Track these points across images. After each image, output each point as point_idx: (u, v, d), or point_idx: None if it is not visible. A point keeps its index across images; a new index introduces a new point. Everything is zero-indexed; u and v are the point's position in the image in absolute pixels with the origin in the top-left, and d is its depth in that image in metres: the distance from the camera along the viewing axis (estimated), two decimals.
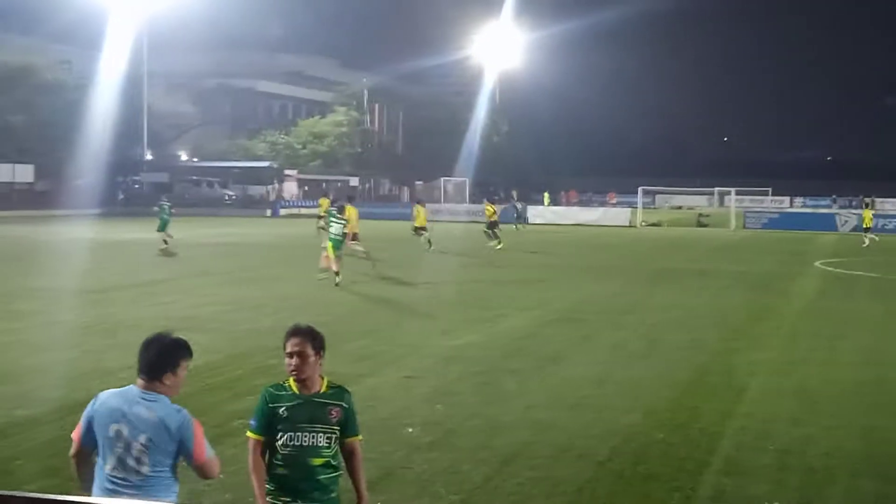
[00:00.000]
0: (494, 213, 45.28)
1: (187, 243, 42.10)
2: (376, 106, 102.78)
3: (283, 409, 5.85)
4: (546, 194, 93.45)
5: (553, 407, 12.35)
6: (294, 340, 5.91)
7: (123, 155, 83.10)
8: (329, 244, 26.57)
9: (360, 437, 6.11)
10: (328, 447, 5.87)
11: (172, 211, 39.00)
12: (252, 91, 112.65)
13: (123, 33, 78.38)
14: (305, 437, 5.82)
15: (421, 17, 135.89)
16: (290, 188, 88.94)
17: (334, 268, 26.00)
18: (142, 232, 49.79)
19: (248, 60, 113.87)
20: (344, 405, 5.94)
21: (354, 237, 30.32)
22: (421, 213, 42.02)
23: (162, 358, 5.59)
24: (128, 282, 26.16)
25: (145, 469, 5.47)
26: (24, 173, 75.69)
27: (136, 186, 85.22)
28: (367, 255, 30.83)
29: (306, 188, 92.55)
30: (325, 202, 46.57)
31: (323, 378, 6.00)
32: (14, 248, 38.20)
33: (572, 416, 11.95)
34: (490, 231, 43.83)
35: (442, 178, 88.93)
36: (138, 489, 5.47)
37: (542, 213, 72.14)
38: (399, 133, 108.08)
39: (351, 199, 34.68)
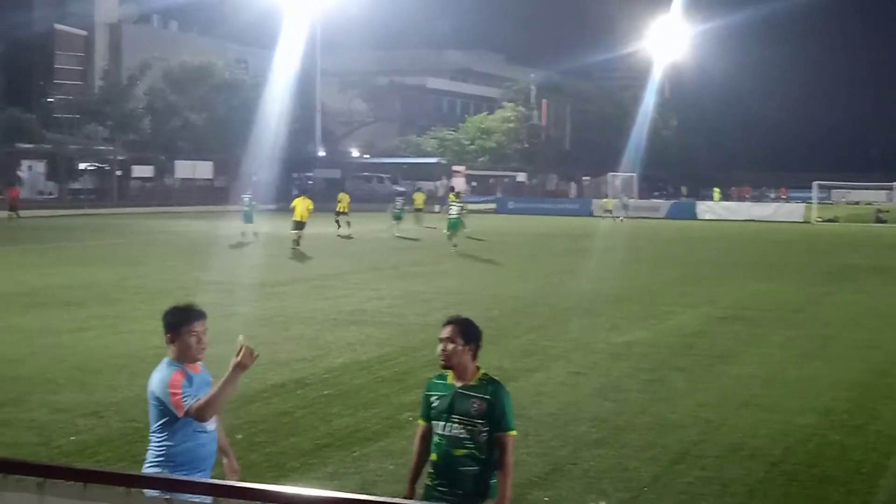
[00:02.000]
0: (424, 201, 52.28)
1: (357, 238, 42.97)
2: (544, 101, 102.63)
3: (435, 398, 6.05)
4: (716, 190, 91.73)
5: (722, 406, 12.16)
6: (446, 329, 6.05)
7: (297, 151, 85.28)
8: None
9: (513, 432, 6.01)
10: (471, 439, 5.88)
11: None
12: (422, 88, 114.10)
13: (297, 32, 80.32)
14: (449, 427, 5.93)
15: (588, 12, 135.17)
16: (459, 183, 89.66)
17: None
18: (314, 227, 51.00)
19: (417, 57, 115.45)
20: (489, 398, 5.92)
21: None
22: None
23: (165, 324, 6.18)
24: (300, 276, 26.85)
25: (152, 429, 6.04)
26: (203, 170, 78.34)
27: (310, 183, 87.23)
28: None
29: (474, 184, 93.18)
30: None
31: (478, 370, 6.05)
32: (193, 243, 39.64)
33: (742, 415, 11.74)
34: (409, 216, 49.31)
35: (609, 174, 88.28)
36: (150, 450, 6.07)
37: (712, 209, 70.88)
38: (566, 128, 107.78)
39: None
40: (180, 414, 5.89)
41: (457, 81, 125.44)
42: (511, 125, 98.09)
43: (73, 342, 15.71)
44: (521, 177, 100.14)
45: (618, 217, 63.18)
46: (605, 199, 70.39)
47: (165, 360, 6.12)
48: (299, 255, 33.26)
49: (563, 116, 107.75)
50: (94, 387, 12.58)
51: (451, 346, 5.98)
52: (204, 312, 6.29)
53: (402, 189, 69.21)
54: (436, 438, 5.99)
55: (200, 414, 5.88)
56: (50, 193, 74.68)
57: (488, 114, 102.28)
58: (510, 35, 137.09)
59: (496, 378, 6.11)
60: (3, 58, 65.24)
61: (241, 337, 6.03)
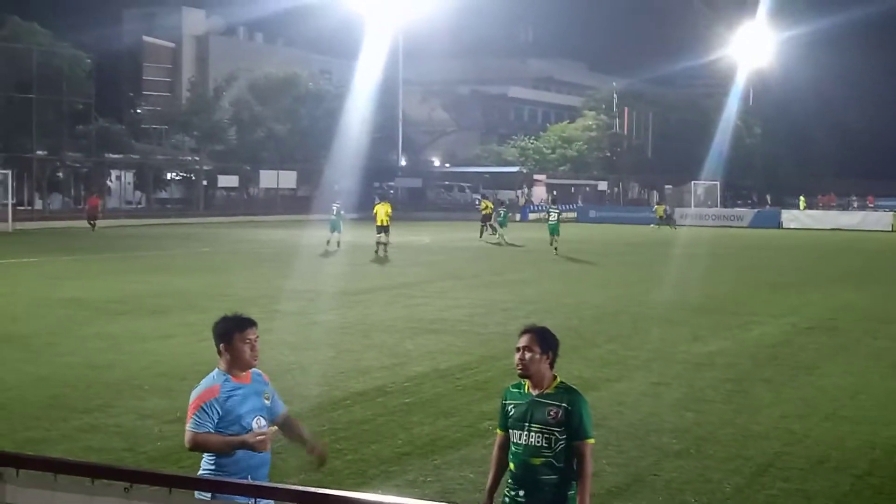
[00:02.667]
0: (487, 207, 51.81)
1: (439, 247, 43.12)
2: (626, 109, 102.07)
3: (511, 406, 6.04)
4: (802, 198, 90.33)
5: (807, 417, 11.98)
6: (523, 337, 6.05)
7: (379, 161, 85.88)
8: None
9: (591, 440, 5.98)
10: (548, 447, 5.86)
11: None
12: (503, 97, 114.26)
13: (380, 42, 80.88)
14: (526, 435, 5.91)
15: (671, 19, 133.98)
16: (539, 192, 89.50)
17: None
18: (394, 236, 51.27)
19: (499, 66, 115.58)
20: (566, 406, 5.91)
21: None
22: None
23: (217, 334, 6.18)
24: (381, 284, 27.02)
25: None
26: (287, 179, 79.23)
27: (392, 192, 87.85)
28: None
29: (555, 192, 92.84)
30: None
31: (555, 378, 6.05)
32: (276, 252, 40.11)
33: (827, 427, 11.56)
34: (484, 224, 50.56)
35: (692, 182, 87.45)
36: (203, 458, 6.12)
37: (797, 218, 69.83)
38: (648, 136, 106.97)
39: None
40: (186, 426, 5.97)
41: (539, 90, 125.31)
42: (592, 134, 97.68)
43: (159, 349, 16.01)
44: (603, 185, 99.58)
45: (669, 225, 62.47)
46: (656, 206, 69.67)
47: (215, 370, 6.12)
48: (381, 262, 33.50)
49: (645, 124, 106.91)
50: (180, 393, 12.78)
51: (528, 355, 5.98)
52: (255, 321, 6.28)
53: (503, 199, 69.70)
54: (513, 448, 5.97)
55: (190, 445, 5.93)
56: (138, 203, 76.17)
57: (570, 122, 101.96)
58: (593, 43, 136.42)
59: (573, 386, 6.11)
60: (95, 70, 66.60)
61: (273, 428, 6.11)
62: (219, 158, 78.86)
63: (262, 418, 6.01)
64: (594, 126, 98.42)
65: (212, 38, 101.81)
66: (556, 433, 5.87)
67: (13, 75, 60.38)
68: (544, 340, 6.05)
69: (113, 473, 3.68)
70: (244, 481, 3.74)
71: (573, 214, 78.31)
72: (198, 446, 5.93)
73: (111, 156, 71.23)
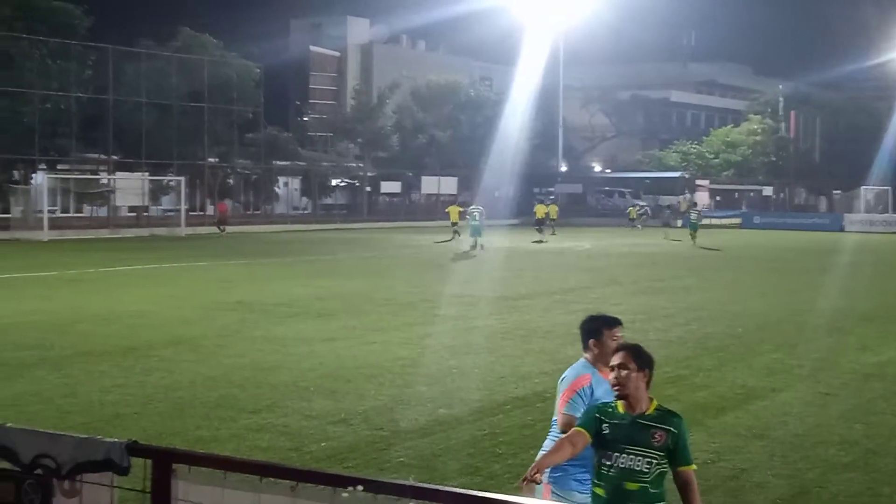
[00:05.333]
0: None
1: (599, 253, 42.82)
2: (792, 113, 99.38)
3: (606, 425, 5.65)
4: None
5: None
6: (618, 355, 5.77)
7: (539, 167, 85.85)
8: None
9: (694, 466, 5.69)
10: (647, 472, 5.52)
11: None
12: (665, 101, 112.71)
13: (540, 48, 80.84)
14: (623, 458, 5.55)
15: (839, 21, 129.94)
16: (702, 198, 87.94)
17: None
18: (553, 241, 51.12)
19: (660, 71, 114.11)
20: (671, 429, 5.58)
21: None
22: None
23: (587, 330, 6.73)
24: (540, 290, 26.99)
25: (553, 418, 6.70)
26: (448, 185, 79.90)
27: (552, 198, 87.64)
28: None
29: (718, 198, 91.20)
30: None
31: (652, 400, 5.73)
32: (437, 256, 40.50)
33: None
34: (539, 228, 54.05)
35: (862, 187, 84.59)
36: (547, 439, 6.79)
37: None
38: (816, 140, 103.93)
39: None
40: (559, 412, 6.44)
41: (701, 94, 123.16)
42: (757, 138, 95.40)
43: (324, 351, 16.35)
44: (768, 191, 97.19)
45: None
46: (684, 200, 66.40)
47: (582, 360, 6.62)
48: (539, 268, 33.48)
49: (813, 128, 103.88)
50: (344, 395, 13.06)
51: (624, 373, 5.67)
52: (621, 320, 6.80)
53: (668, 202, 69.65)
54: (603, 470, 5.60)
55: (566, 428, 6.21)
56: (304, 209, 77.95)
57: (734, 126, 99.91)
58: (757, 46, 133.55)
59: (673, 409, 5.81)
60: (263, 79, 68.49)
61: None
62: (382, 165, 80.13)
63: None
64: (759, 130, 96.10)
65: (375, 47, 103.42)
66: (656, 458, 5.55)
67: (186, 85, 62.55)
68: (639, 357, 5.78)
69: (280, 472, 3.79)
70: (407, 482, 3.81)
71: (737, 221, 76.73)
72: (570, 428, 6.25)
73: (279, 163, 73.10)
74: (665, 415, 5.68)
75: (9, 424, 4.07)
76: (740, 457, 10.34)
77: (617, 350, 5.86)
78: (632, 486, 5.50)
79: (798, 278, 32.01)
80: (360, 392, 13.22)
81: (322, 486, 3.65)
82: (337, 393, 13.15)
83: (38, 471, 3.98)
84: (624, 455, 5.55)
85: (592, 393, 6.33)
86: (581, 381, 6.41)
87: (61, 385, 13.43)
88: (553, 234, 55.70)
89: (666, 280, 30.42)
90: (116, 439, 3.91)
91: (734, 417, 12.10)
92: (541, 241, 50.80)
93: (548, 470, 6.24)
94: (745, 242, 53.28)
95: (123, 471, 3.87)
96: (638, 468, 5.52)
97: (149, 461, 3.85)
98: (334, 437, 10.95)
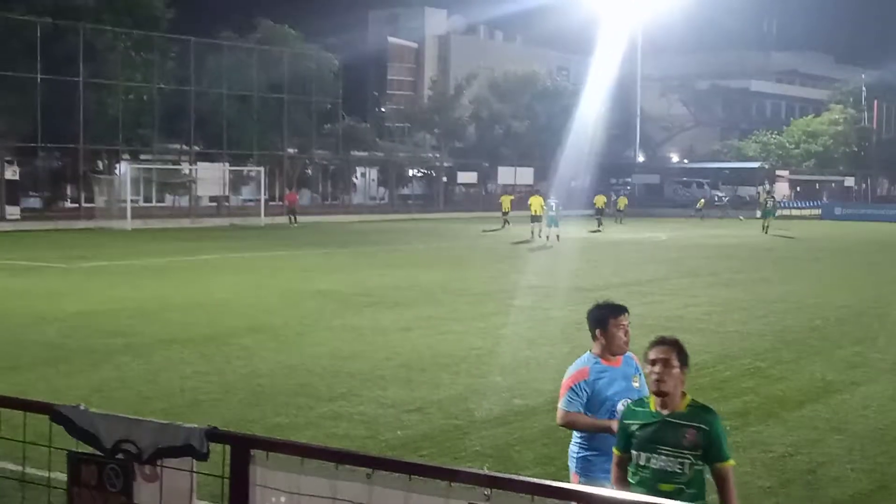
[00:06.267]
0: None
1: (675, 244, 42.47)
2: (875, 102, 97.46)
3: (636, 426, 5.48)
4: None
5: None
6: (659, 349, 5.50)
7: (616, 157, 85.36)
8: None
9: (732, 461, 5.45)
10: (681, 473, 5.32)
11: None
12: (745, 91, 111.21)
13: (618, 38, 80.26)
14: (655, 459, 5.37)
15: None
16: (782, 188, 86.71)
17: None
18: (630, 232, 50.83)
19: (740, 60, 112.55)
20: (703, 427, 5.34)
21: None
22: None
23: (592, 320, 6.65)
24: (618, 280, 26.85)
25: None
26: (524, 176, 79.70)
27: (628, 189, 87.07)
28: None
29: (798, 189, 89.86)
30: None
31: (685, 396, 5.51)
32: (512, 247, 40.49)
33: None
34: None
35: None
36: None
37: None
38: None
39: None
40: (558, 405, 6.48)
41: (782, 84, 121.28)
42: (839, 128, 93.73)
43: (400, 341, 16.47)
44: (849, 181, 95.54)
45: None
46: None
47: (587, 354, 6.62)
48: (615, 261, 33.31)
49: None
50: (419, 384, 13.14)
51: (666, 369, 5.42)
52: (627, 307, 6.70)
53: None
54: (639, 472, 5.43)
55: (561, 422, 6.46)
56: (381, 199, 78.35)
57: (815, 116, 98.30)
58: (839, 35, 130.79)
59: (707, 404, 5.63)
60: (341, 70, 68.89)
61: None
62: (458, 155, 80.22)
63: (628, 401, 6.18)
64: (841, 120, 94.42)
65: (453, 38, 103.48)
66: (691, 457, 5.35)
67: (266, 77, 63.14)
68: (681, 353, 5.52)
69: (356, 459, 3.84)
70: (479, 471, 3.83)
71: (818, 212, 75.56)
72: (567, 424, 6.47)
73: (357, 153, 73.54)
74: (698, 411, 5.46)
75: (92, 410, 4.18)
76: (818, 450, 10.22)
77: (658, 343, 5.58)
78: (667, 487, 5.31)
79: (880, 271, 31.46)
80: (435, 381, 13.30)
81: (398, 474, 3.70)
82: (412, 382, 13.24)
83: (120, 455, 4.07)
84: (656, 456, 5.38)
85: (592, 387, 6.33)
86: (578, 375, 6.42)
87: (143, 371, 13.71)
88: (620, 222, 55.54)
89: (745, 272, 30.09)
90: (196, 425, 3.99)
91: (812, 411, 11.96)
92: (598, 231, 51.67)
93: (575, 459, 6.44)
94: (824, 234, 52.44)
95: (203, 456, 3.95)
96: (671, 469, 5.34)
97: (227, 447, 3.93)
98: (409, 425, 11.03)
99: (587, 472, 6.37)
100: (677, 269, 30.78)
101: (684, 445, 5.33)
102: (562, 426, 6.56)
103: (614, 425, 5.95)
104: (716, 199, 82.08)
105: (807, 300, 22.79)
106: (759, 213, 59.99)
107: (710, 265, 32.18)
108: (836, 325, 18.91)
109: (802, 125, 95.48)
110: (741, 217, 65.12)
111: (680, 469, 5.33)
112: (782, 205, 74.61)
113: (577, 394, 6.34)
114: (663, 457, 5.36)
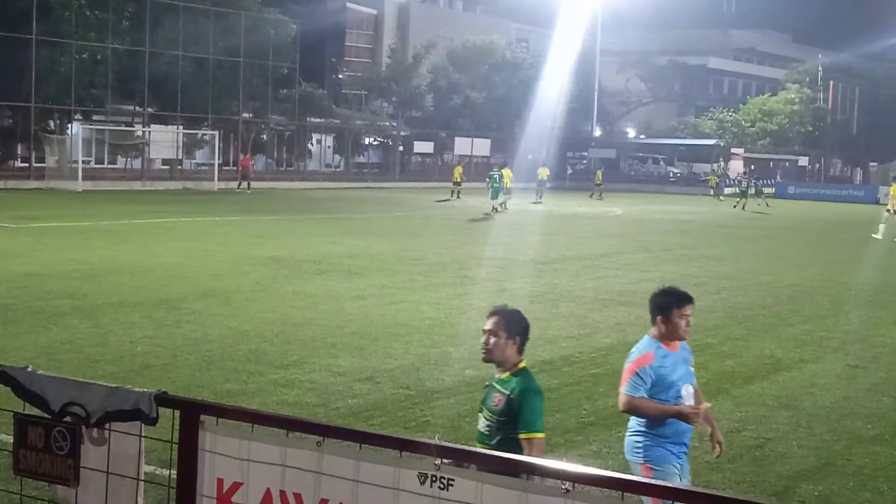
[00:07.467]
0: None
1: (630, 219, 42.67)
2: (831, 83, 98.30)
3: (485, 387, 5.79)
4: None
5: None
6: (490, 320, 5.68)
7: (573, 131, 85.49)
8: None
9: (538, 434, 5.44)
10: (488, 435, 5.55)
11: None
12: (703, 68, 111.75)
13: (578, 12, 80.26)
14: (480, 419, 5.72)
15: None
16: (736, 166, 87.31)
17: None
18: (586, 206, 51.03)
19: (699, 37, 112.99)
20: (508, 393, 5.49)
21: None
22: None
23: (655, 304, 6.56)
24: (571, 255, 26.97)
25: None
26: (481, 147, 79.64)
27: (584, 162, 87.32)
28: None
29: (752, 167, 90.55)
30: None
31: (517, 365, 5.62)
32: (467, 218, 40.49)
33: None
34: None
35: None
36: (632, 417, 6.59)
37: None
38: (854, 112, 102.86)
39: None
40: (620, 389, 6.34)
41: (740, 62, 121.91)
42: (795, 107, 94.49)
43: (352, 309, 16.43)
44: (804, 161, 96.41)
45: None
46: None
47: (646, 337, 6.50)
48: (571, 233, 33.42)
49: (851, 100, 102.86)
50: (371, 353, 13.12)
51: (493, 340, 5.61)
52: (693, 297, 6.64)
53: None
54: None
55: (625, 408, 6.33)
56: (337, 166, 78.00)
57: (771, 95, 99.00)
58: (798, 15, 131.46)
59: (531, 373, 5.71)
60: (299, 36, 68.29)
61: (707, 405, 6.40)
62: (415, 125, 80.00)
63: (690, 385, 6.33)
64: (797, 100, 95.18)
65: (413, 5, 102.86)
66: (496, 421, 5.53)
67: (222, 40, 62.42)
68: (511, 324, 5.65)
69: (306, 427, 3.82)
70: (430, 441, 3.79)
71: (772, 190, 76.24)
72: (632, 409, 6.32)
73: (313, 120, 73.05)
74: (511, 379, 5.57)
75: (40, 372, 4.12)
76: (765, 426, 10.33)
77: (491, 314, 5.74)
78: (480, 447, 5.35)
79: (831, 250, 31.83)
80: (388, 351, 13.28)
81: (348, 443, 3.67)
82: (364, 351, 13.22)
83: (68, 418, 4.03)
84: (480, 416, 5.72)
85: (657, 372, 6.27)
86: (643, 360, 6.33)
87: (93, 335, 13.57)
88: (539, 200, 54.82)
89: (698, 248, 30.31)
90: (145, 389, 3.94)
91: (761, 387, 12.08)
92: (538, 202, 52.91)
93: (642, 449, 6.32)
94: (778, 213, 52.95)
95: (152, 421, 3.91)
96: (484, 431, 5.62)
97: (177, 412, 3.89)
98: (361, 394, 11.02)
99: (662, 461, 6.28)
100: (632, 243, 30.93)
101: (492, 410, 5.56)
102: (624, 412, 6.44)
103: (685, 409, 6.09)
104: (671, 175, 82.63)
105: (759, 277, 23.00)
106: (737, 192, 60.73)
107: (664, 241, 32.38)
108: (786, 302, 19.10)
109: (759, 104, 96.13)
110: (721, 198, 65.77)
111: (487, 431, 5.58)
112: (734, 183, 75.12)
113: (642, 379, 6.26)
114: (483, 419, 5.66)
